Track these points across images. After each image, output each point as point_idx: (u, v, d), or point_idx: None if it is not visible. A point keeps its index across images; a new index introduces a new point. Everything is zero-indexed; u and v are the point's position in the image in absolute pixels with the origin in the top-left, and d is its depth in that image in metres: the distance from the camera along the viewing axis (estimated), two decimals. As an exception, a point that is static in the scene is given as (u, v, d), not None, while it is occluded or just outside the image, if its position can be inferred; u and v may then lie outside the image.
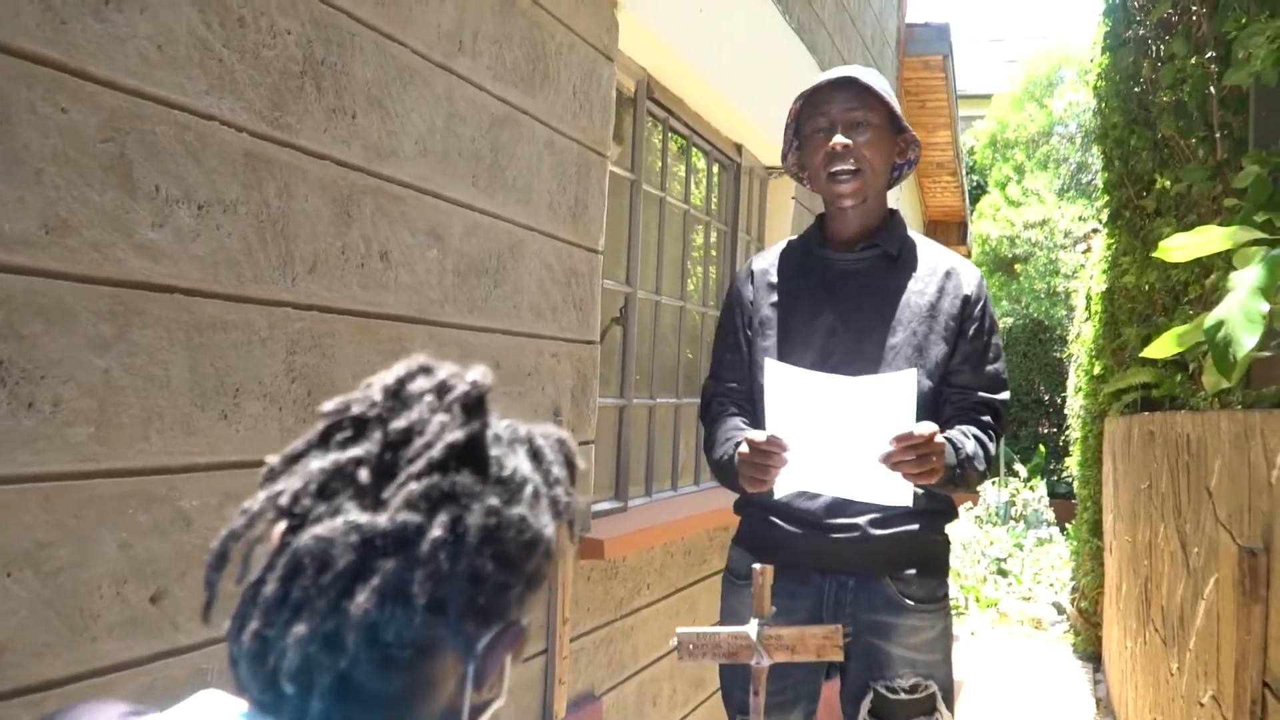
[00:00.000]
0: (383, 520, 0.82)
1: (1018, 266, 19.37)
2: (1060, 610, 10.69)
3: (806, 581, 2.47)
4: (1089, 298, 10.28)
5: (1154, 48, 5.97)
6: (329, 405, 0.89)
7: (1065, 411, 14.29)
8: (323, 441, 0.88)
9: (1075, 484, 11.28)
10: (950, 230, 13.29)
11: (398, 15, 2.40)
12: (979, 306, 2.47)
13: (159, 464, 1.86)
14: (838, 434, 2.19)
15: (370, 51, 2.32)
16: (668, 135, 4.65)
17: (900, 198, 9.93)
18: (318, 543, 0.82)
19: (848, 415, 2.17)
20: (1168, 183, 5.88)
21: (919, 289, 2.47)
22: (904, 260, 2.50)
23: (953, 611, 2.59)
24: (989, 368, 2.46)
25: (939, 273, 2.48)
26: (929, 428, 2.15)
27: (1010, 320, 19.37)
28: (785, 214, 5.97)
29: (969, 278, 2.49)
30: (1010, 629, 10.19)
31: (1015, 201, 20.18)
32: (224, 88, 1.95)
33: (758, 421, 2.45)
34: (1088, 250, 17.73)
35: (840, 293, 2.48)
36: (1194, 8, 5.14)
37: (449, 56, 2.60)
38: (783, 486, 2.29)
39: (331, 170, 2.22)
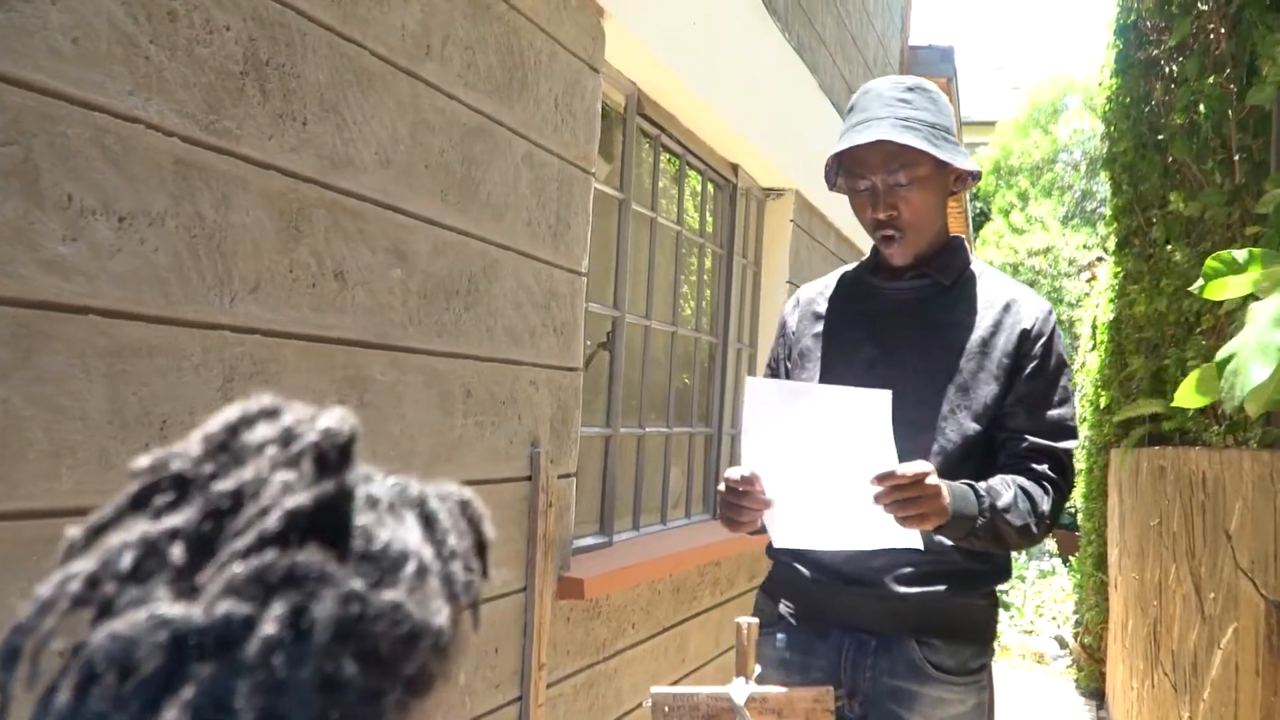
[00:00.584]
0: (197, 612, 0.62)
1: (1021, 294, 19.17)
2: (1063, 645, 10.47)
3: (825, 636, 2.26)
4: (1095, 327, 10.09)
5: (1166, 69, 5.80)
6: (144, 460, 0.69)
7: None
8: (135, 508, 0.68)
9: (1079, 516, 11.08)
10: (953, 256, 13.09)
11: (355, 15, 2.22)
12: (1040, 343, 2.23)
13: (70, 504, 1.66)
14: (817, 459, 2.00)
15: (324, 53, 2.13)
16: (659, 153, 4.47)
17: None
18: (114, 642, 0.62)
19: (824, 433, 1.98)
20: (1180, 205, 5.70)
21: (971, 323, 2.25)
22: (958, 291, 2.29)
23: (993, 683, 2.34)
24: (1051, 413, 2.21)
25: (996, 306, 2.27)
26: (916, 468, 1.94)
27: (1013, 348, 19.10)
28: (784, 237, 5.79)
29: (1030, 311, 2.26)
30: (1012, 663, 9.97)
31: (1019, 229, 20.05)
32: (151, 87, 1.76)
33: None
34: (1092, 279, 17.61)
35: (884, 324, 2.29)
36: (1210, 27, 4.98)
37: (415, 61, 2.41)
38: (780, 535, 2.10)
39: (278, 181, 2.04)
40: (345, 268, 2.22)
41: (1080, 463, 11.14)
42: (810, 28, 5.90)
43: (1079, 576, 10.31)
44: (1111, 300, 8.58)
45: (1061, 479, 2.19)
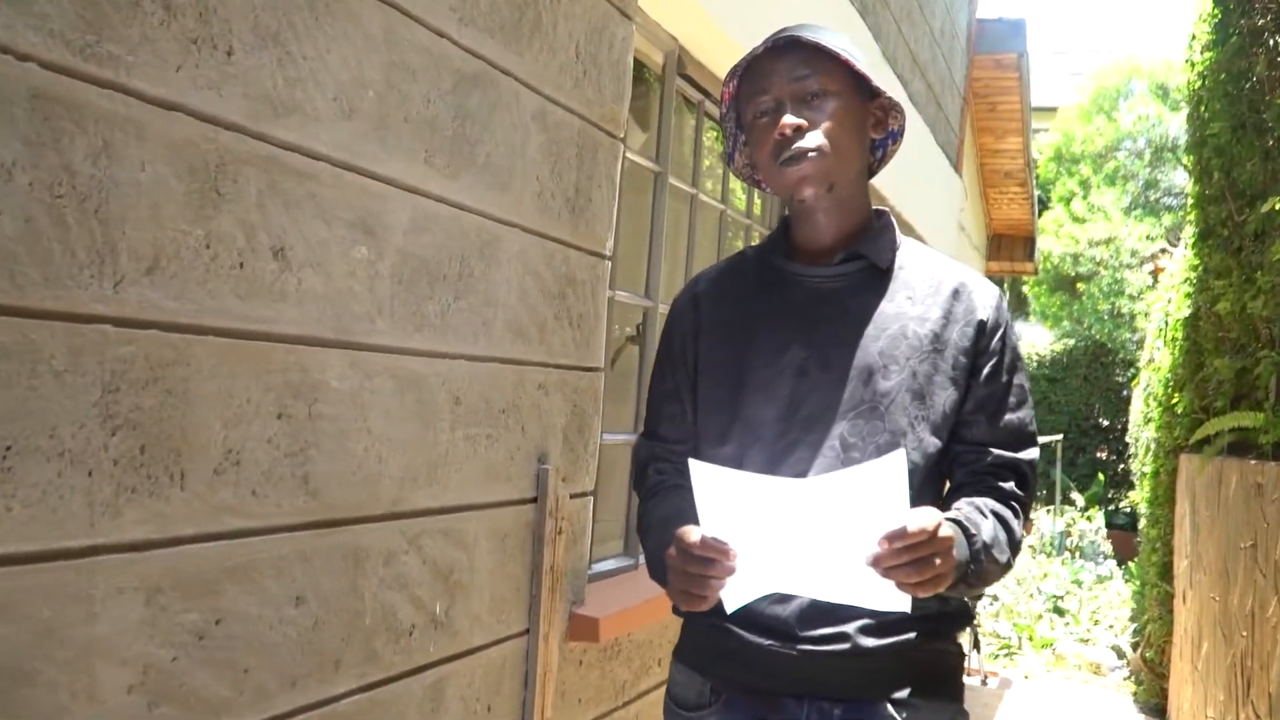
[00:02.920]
0: None
1: (1080, 285, 18.56)
2: (1120, 655, 9.92)
3: (777, 708, 1.78)
4: (1166, 322, 9.51)
5: (1272, 40, 5.21)
6: None
7: (1126, 439, 13.55)
8: None
9: (1143, 522, 10.53)
10: (1016, 245, 12.47)
11: (305, -84, 1.72)
12: (997, 336, 1.81)
13: None
14: (802, 537, 1.50)
15: (259, -37, 1.64)
16: (702, 120, 3.95)
17: (965, 207, 9.17)
18: None
19: (814, 517, 1.48)
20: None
21: (918, 314, 1.80)
22: (896, 275, 1.84)
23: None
24: (1009, 416, 1.80)
25: (943, 292, 1.82)
26: (928, 519, 1.48)
27: (1071, 341, 18.59)
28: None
29: (983, 298, 1.83)
30: (1066, 673, 9.45)
31: (1080, 218, 19.43)
32: (-10, -11, 1.28)
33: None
34: (1156, 271, 16.95)
35: (812, 319, 1.81)
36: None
37: (390, -15, 1.92)
38: (734, 597, 1.60)
39: (188, 127, 1.55)
40: (289, 243, 1.73)
41: (1145, 465, 10.54)
42: (874, -11, 5.36)
43: (1140, 585, 9.77)
44: (1188, 295, 8.01)
45: (1026, 495, 1.79)
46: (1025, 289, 20.14)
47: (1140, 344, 14.07)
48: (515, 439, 2.42)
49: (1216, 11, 5.54)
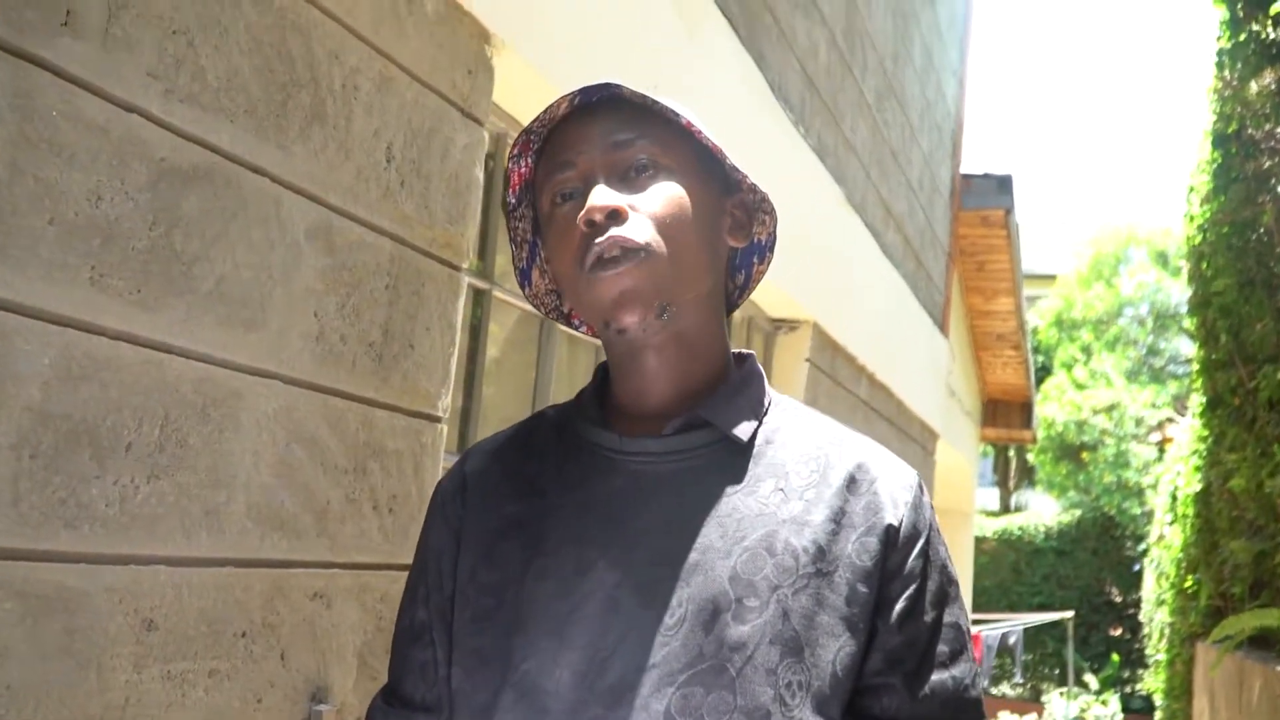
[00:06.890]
0: None
1: (1085, 455, 17.93)
2: None
3: None
4: (1175, 498, 8.86)
5: (1280, 186, 4.68)
6: None
7: (1140, 618, 12.89)
8: None
9: (1159, 715, 9.71)
10: (1013, 412, 11.83)
11: None
12: (916, 549, 1.13)
13: None
14: None
15: None
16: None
17: (953, 369, 8.56)
18: None
19: None
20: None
21: (793, 514, 1.11)
22: (762, 454, 1.17)
23: None
24: (938, 677, 1.11)
25: (832, 479, 1.14)
26: None
27: (1079, 512, 17.91)
28: (797, 380, 4.64)
29: (893, 489, 1.15)
30: None
31: (1081, 384, 18.99)
32: None
33: None
34: (1163, 442, 16.35)
35: (629, 524, 1.13)
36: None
37: (28, 32, 1.32)
38: None
39: None
40: None
41: (1160, 653, 9.74)
42: (836, 129, 4.84)
43: (1158, 786, 8.92)
44: (1198, 469, 7.40)
45: None
46: (1030, 456, 19.62)
47: (1150, 517, 13.41)
48: (267, 672, 1.74)
49: (1216, 156, 5.01)
